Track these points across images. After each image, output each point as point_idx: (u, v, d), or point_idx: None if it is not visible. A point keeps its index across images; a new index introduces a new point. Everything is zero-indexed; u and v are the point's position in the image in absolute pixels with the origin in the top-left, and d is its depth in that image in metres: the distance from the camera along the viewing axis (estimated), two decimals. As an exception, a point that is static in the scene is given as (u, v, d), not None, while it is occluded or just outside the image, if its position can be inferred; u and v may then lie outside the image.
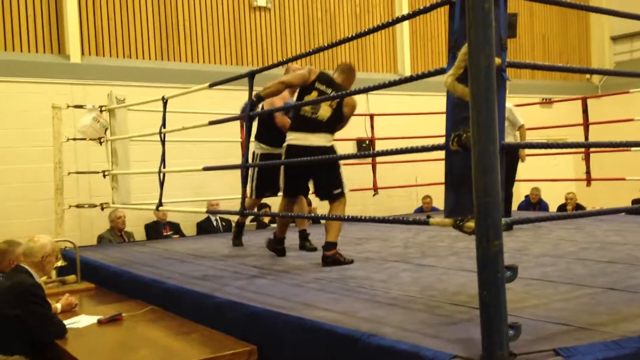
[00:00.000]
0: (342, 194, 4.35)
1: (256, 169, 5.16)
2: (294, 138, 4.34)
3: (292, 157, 4.25)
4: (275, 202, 8.47)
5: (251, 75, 3.98)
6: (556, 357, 1.92)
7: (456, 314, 2.64)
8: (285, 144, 4.40)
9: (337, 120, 4.40)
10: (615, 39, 13.03)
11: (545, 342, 2.10)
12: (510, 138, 5.51)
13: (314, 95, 4.30)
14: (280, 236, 4.72)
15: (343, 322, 2.55)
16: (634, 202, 8.64)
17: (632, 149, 6.39)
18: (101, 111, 6.24)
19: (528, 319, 2.40)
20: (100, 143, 6.30)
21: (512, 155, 5.61)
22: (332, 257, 4.15)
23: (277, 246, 4.73)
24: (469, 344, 2.11)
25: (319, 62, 9.91)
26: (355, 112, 4.58)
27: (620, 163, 6.54)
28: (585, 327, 2.29)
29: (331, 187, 4.35)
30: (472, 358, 1.94)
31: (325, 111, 4.29)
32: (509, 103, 5.38)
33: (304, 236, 5.05)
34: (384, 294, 3.12)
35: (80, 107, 6.37)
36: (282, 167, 4.55)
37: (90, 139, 6.29)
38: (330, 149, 4.35)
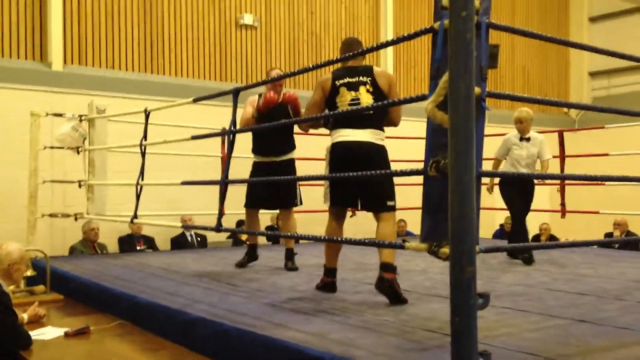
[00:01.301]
0: (394, 208, 3.72)
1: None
2: (336, 135, 3.75)
3: (336, 157, 3.72)
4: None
5: (236, 92, 3.98)
6: (524, 387, 1.93)
7: (427, 339, 2.65)
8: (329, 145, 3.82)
9: (384, 109, 3.76)
10: (593, 74, 13.34)
11: (515, 371, 2.11)
12: (535, 170, 5.43)
13: (344, 93, 3.76)
14: (332, 267, 3.92)
15: (314, 344, 2.54)
16: (607, 235, 8.77)
17: (606, 183, 6.51)
18: (80, 120, 6.18)
19: (499, 347, 2.41)
20: (78, 152, 6.22)
21: (527, 184, 5.36)
22: (390, 283, 3.44)
23: (328, 279, 3.91)
24: (439, 370, 2.11)
25: (303, 82, 9.97)
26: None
27: (594, 196, 6.66)
28: (554, 357, 2.31)
29: (386, 197, 3.68)
30: (442, 384, 1.93)
31: (367, 101, 3.70)
32: (541, 135, 5.55)
33: (289, 255, 5.01)
34: (357, 317, 3.11)
35: (60, 115, 6.30)
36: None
37: (68, 148, 6.21)
38: (384, 149, 3.73)
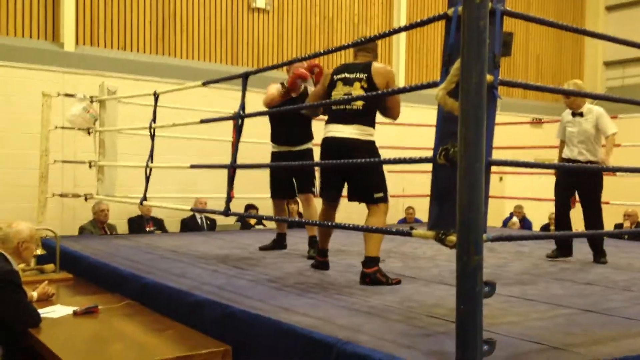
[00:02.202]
0: (384, 200, 3.79)
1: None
2: (327, 131, 3.88)
3: (325, 150, 3.87)
4: (264, 204, 8.49)
5: (245, 76, 3.97)
6: (528, 375, 1.93)
7: (433, 326, 2.65)
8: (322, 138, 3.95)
9: (375, 104, 3.83)
10: (608, 64, 13.18)
11: (519, 359, 2.12)
12: (600, 150, 4.76)
13: (339, 87, 3.86)
14: (322, 248, 4.19)
15: (320, 328, 2.55)
16: (617, 226, 8.72)
17: (618, 174, 6.45)
18: (92, 101, 6.20)
19: (503, 335, 2.41)
20: (89, 133, 6.25)
21: (596, 178, 4.76)
22: (372, 276, 3.62)
23: (320, 258, 4.19)
24: (443, 356, 2.12)
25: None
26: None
27: (605, 187, 6.58)
28: (559, 347, 2.31)
29: (372, 190, 3.78)
30: (445, 371, 1.94)
31: (358, 94, 3.75)
32: (600, 108, 4.81)
33: (311, 242, 4.87)
34: (363, 303, 3.12)
35: (71, 96, 6.32)
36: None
37: (79, 129, 6.24)
38: (370, 144, 3.79)
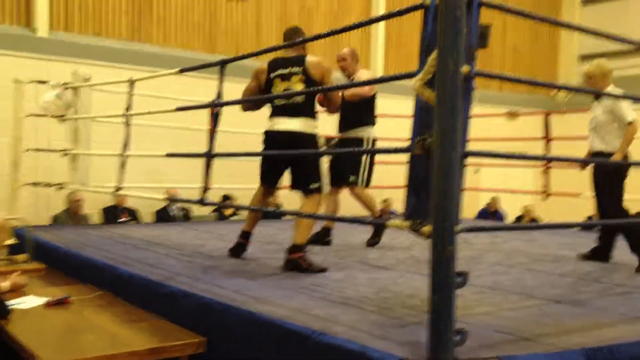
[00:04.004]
0: (318, 190, 3.94)
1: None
2: (270, 124, 4.04)
3: (267, 143, 4.04)
4: (241, 195, 8.44)
5: (222, 64, 3.93)
6: (499, 365, 1.95)
7: (407, 316, 2.67)
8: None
9: (314, 97, 3.99)
10: (583, 57, 13.33)
11: (490, 349, 2.14)
12: (616, 141, 4.17)
13: (277, 84, 3.99)
14: (247, 230, 4.30)
15: (295, 319, 2.55)
16: (589, 218, 8.87)
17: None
18: (65, 88, 6.09)
19: (476, 325, 2.43)
20: (62, 121, 6.14)
21: (615, 173, 4.17)
22: (293, 262, 3.74)
23: (239, 239, 4.28)
24: (416, 346, 2.13)
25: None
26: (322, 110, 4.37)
27: (578, 179, 6.69)
28: (530, 337, 2.34)
29: (308, 178, 3.92)
30: (418, 361, 1.95)
31: (298, 88, 3.92)
32: (617, 91, 4.16)
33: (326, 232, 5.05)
34: (338, 294, 3.12)
35: (44, 82, 6.20)
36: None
37: (52, 116, 6.12)
38: (312, 137, 3.95)
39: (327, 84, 3.96)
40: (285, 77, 3.97)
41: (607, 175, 4.20)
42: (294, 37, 4.03)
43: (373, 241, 5.08)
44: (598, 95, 4.28)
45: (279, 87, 3.99)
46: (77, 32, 8.08)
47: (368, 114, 5.01)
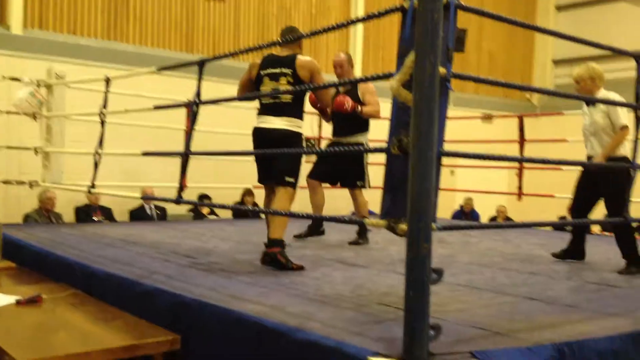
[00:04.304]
0: (292, 184, 3.97)
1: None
2: (257, 122, 4.09)
3: (253, 140, 4.10)
4: (217, 194, 8.41)
5: (201, 64, 3.92)
6: (472, 359, 1.98)
7: (383, 313, 2.69)
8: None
9: (302, 97, 4.03)
10: (557, 62, 13.58)
11: (464, 344, 2.17)
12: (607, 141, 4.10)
13: (266, 83, 4.03)
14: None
15: (271, 316, 2.55)
16: (561, 218, 9.03)
17: (563, 167, 6.67)
18: (38, 86, 6.00)
19: (450, 322, 2.47)
20: (35, 119, 6.05)
21: (607, 176, 4.07)
22: (271, 256, 3.77)
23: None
24: (391, 342, 2.15)
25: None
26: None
27: (550, 181, 6.81)
28: (503, 332, 2.38)
29: (285, 171, 3.97)
30: (393, 355, 1.97)
31: (285, 89, 3.97)
32: (615, 94, 4.11)
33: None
34: (315, 291, 3.14)
35: (17, 80, 6.10)
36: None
37: (25, 114, 6.03)
38: (296, 135, 4.00)
39: (318, 83, 3.99)
40: (274, 77, 4.01)
41: (614, 178, 4.01)
42: (292, 37, 4.01)
43: (357, 242, 5.11)
44: (588, 100, 4.20)
45: (267, 86, 4.03)
46: (52, 29, 7.97)
47: (366, 120, 5.18)
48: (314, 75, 3.99)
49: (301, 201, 5.12)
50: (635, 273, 3.97)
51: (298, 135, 4.03)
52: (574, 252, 4.44)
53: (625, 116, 4.06)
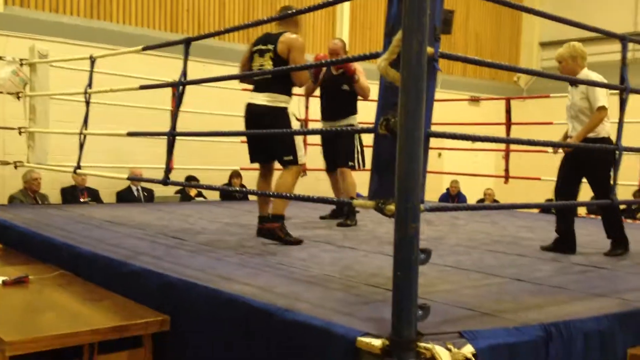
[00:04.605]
0: (293, 162, 4.07)
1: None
2: (249, 98, 4.18)
3: (245, 116, 4.19)
4: (204, 176, 8.37)
5: (187, 43, 3.87)
6: (460, 339, 2.00)
7: (371, 294, 2.70)
8: None
9: (285, 73, 4.04)
10: (543, 45, 13.59)
11: (452, 324, 2.19)
12: (599, 126, 3.97)
13: (255, 59, 4.15)
14: (262, 214, 4.24)
15: (259, 296, 2.55)
16: (547, 201, 9.10)
17: (549, 150, 6.71)
18: (21, 65, 5.90)
19: (438, 302, 2.49)
20: (18, 98, 5.96)
21: (578, 153, 4.00)
22: (271, 231, 3.93)
23: (259, 225, 4.20)
24: (380, 322, 2.16)
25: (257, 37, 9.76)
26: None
27: (537, 164, 6.84)
28: (490, 313, 2.40)
29: (280, 151, 4.06)
30: (381, 335, 1.99)
31: (267, 67, 4.07)
32: (597, 75, 3.99)
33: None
34: (303, 272, 3.15)
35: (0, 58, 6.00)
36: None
37: (8, 93, 5.94)
38: (278, 110, 4.06)
39: (293, 59, 4.04)
40: (261, 53, 4.12)
41: (592, 161, 3.97)
42: (286, 18, 4.01)
43: (345, 224, 5.12)
44: (573, 81, 4.05)
45: (256, 63, 4.15)
46: (34, 7, 7.82)
47: (355, 103, 5.26)
48: (291, 51, 4.04)
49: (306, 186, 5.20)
50: (621, 254, 3.98)
51: (281, 110, 4.08)
52: (565, 243, 4.12)
53: (605, 97, 3.95)
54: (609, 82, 3.57)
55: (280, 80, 4.08)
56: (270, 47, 4.09)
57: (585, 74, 4.06)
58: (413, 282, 1.96)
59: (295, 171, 4.11)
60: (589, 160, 4.02)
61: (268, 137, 4.10)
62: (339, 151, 5.23)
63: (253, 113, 4.11)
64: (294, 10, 4.06)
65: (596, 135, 4.02)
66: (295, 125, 4.46)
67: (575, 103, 4.08)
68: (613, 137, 3.85)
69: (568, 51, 4.08)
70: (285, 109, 4.11)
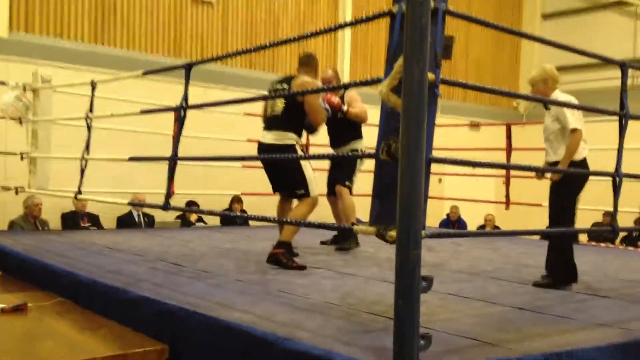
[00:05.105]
0: (305, 195, 4.25)
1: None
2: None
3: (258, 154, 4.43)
4: (205, 201, 8.35)
5: (188, 67, 3.89)
6: (463, 369, 1.97)
7: (372, 322, 2.67)
8: None
9: (295, 113, 4.25)
10: (543, 71, 13.68)
11: (454, 354, 2.16)
12: (562, 148, 3.87)
13: (269, 100, 4.41)
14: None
15: (259, 325, 2.52)
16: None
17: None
18: (25, 90, 5.94)
19: (440, 331, 2.45)
20: (21, 123, 5.99)
21: (565, 184, 3.84)
22: (274, 257, 4.04)
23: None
24: (381, 352, 2.13)
25: (260, 63, 9.85)
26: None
27: (538, 190, 6.83)
28: (493, 342, 2.37)
29: (292, 185, 4.30)
30: (383, 366, 1.96)
31: (279, 106, 4.30)
32: (568, 96, 3.92)
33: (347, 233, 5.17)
34: (303, 300, 3.11)
35: (3, 83, 6.04)
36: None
37: (11, 118, 5.97)
38: (285, 148, 4.24)
39: (306, 102, 4.25)
40: (275, 92, 4.34)
41: (557, 185, 3.89)
42: (309, 63, 4.50)
43: (343, 247, 5.11)
44: (546, 104, 3.96)
45: (270, 102, 4.39)
46: (38, 33, 7.90)
47: (357, 127, 5.31)
48: (302, 92, 4.20)
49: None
50: (546, 287, 3.71)
51: (288, 147, 4.24)
52: (568, 275, 3.84)
53: (577, 120, 3.82)
54: (609, 109, 3.55)
55: (290, 119, 4.27)
56: (285, 86, 4.30)
57: (556, 96, 3.95)
58: (415, 311, 1.94)
59: (308, 203, 4.26)
60: (553, 187, 3.90)
61: (279, 172, 4.31)
62: (337, 172, 5.26)
63: (262, 151, 4.33)
64: (313, 58, 4.45)
65: (574, 159, 3.86)
66: (307, 161, 4.48)
67: (547, 126, 3.99)
68: (591, 161, 3.88)
69: (539, 74, 4.00)
70: (293, 145, 4.27)
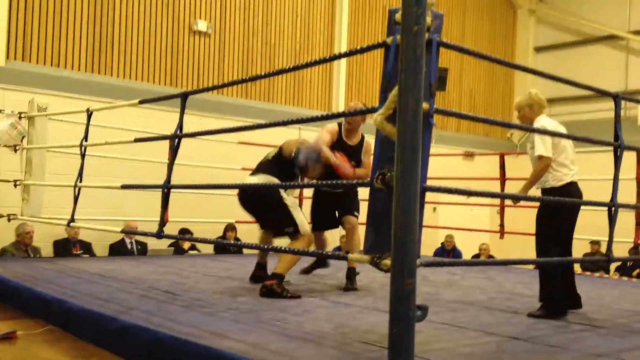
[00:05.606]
0: (295, 232, 4.28)
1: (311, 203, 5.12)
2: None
3: (239, 197, 4.52)
4: (198, 229, 8.32)
5: (184, 97, 3.91)
6: (458, 400, 1.95)
7: (365, 352, 2.64)
8: None
9: (282, 161, 4.44)
10: (535, 102, 13.84)
11: (450, 384, 2.13)
12: (548, 175, 3.81)
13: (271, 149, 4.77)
14: (260, 261, 4.79)
15: (252, 354, 2.49)
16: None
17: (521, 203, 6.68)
18: (20, 118, 5.95)
19: (435, 361, 2.43)
20: (15, 151, 5.98)
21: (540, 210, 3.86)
22: (268, 288, 4.05)
23: (257, 272, 4.74)
24: (375, 382, 2.11)
25: (256, 93, 9.93)
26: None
27: (532, 219, 6.86)
28: (488, 372, 2.35)
29: (279, 224, 4.37)
30: (377, 396, 1.93)
31: (273, 152, 4.60)
32: (545, 122, 3.88)
33: (349, 274, 4.70)
34: (297, 328, 3.08)
35: (-1, 111, 6.05)
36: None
37: (5, 146, 5.96)
38: (269, 188, 4.37)
39: (283, 154, 4.48)
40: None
41: (539, 213, 3.88)
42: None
43: (353, 287, 4.65)
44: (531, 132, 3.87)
45: (270, 150, 4.68)
46: (35, 61, 7.95)
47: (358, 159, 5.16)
48: (285, 151, 4.46)
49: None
50: (539, 317, 3.66)
51: (272, 188, 4.34)
52: (560, 305, 3.76)
53: (545, 146, 3.75)
54: (603, 139, 3.56)
55: (279, 168, 4.42)
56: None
57: (541, 121, 3.89)
58: (410, 340, 1.92)
59: (302, 240, 4.27)
60: (539, 215, 3.87)
61: (263, 212, 4.43)
62: (345, 202, 4.93)
63: (245, 192, 4.44)
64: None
65: (553, 185, 3.81)
66: (293, 201, 4.44)
67: (529, 153, 3.95)
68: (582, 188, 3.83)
69: (525, 99, 3.96)
70: (277, 191, 4.33)
